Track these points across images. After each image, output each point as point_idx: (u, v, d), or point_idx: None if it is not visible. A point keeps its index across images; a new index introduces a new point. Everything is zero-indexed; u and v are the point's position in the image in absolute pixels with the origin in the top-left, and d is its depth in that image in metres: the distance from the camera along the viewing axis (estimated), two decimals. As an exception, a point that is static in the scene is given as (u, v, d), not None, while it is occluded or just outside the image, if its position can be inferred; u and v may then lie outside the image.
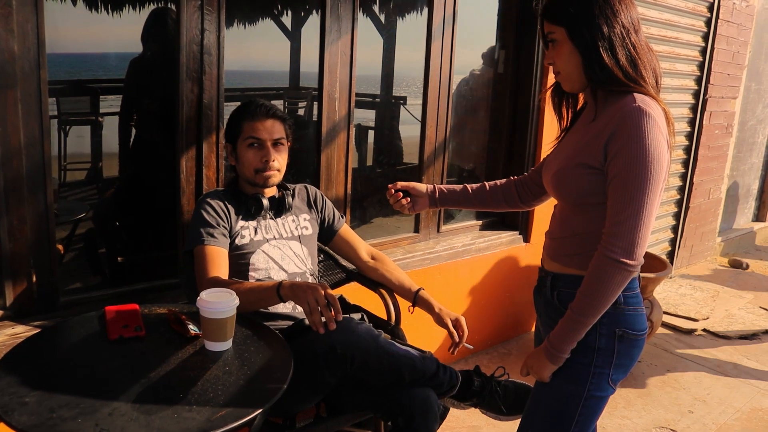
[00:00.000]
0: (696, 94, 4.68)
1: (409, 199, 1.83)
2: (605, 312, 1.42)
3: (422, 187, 1.84)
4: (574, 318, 1.42)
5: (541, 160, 1.78)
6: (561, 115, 1.63)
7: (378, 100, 5.14)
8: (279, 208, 2.03)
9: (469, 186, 1.85)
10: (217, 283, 1.75)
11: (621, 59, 1.40)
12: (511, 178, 1.85)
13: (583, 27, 1.40)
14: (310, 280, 2.04)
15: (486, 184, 1.85)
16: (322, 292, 1.60)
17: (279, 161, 1.97)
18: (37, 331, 1.79)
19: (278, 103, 5.38)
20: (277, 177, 1.99)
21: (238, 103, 2.02)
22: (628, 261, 1.36)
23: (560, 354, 1.46)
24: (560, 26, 1.43)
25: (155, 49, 2.60)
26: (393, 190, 1.83)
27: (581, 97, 1.60)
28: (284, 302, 1.72)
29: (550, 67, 1.52)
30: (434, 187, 1.84)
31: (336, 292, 1.98)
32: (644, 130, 1.34)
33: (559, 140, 1.63)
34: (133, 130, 2.82)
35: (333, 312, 1.59)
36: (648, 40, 1.47)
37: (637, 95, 1.38)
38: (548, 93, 1.63)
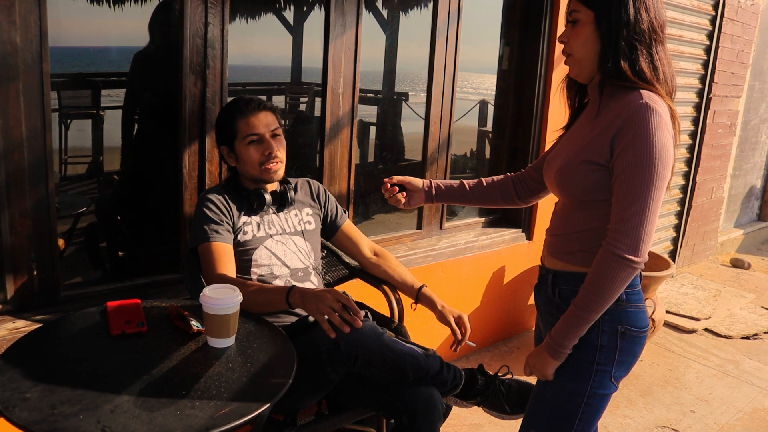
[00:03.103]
0: (700, 93, 4.66)
1: (405, 193, 1.82)
2: (607, 309, 1.42)
3: (418, 182, 1.83)
4: (576, 313, 1.41)
5: (540, 156, 1.77)
6: (573, 107, 1.61)
7: (380, 96, 5.14)
8: (281, 202, 2.01)
9: (466, 182, 1.83)
10: (226, 280, 1.74)
11: (639, 59, 1.38)
12: (508, 174, 1.83)
13: (613, 16, 1.37)
14: (313, 275, 2.03)
15: (483, 180, 1.84)
16: (333, 297, 1.60)
17: (281, 151, 1.96)
18: (39, 326, 1.78)
19: (280, 98, 5.38)
20: (281, 169, 1.97)
21: (236, 97, 2.00)
22: (633, 257, 1.35)
23: (562, 350, 1.44)
24: (590, 9, 1.40)
25: (159, 43, 2.58)
26: (389, 185, 1.82)
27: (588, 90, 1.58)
28: (293, 309, 1.71)
29: (556, 63, 1.50)
30: (431, 182, 1.83)
31: (338, 289, 1.97)
32: (651, 127, 1.33)
33: (560, 137, 1.62)
34: (136, 124, 2.81)
35: (351, 314, 1.60)
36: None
37: (643, 92, 1.37)
38: (564, 83, 1.60)
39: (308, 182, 2.17)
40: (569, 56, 1.47)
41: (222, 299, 1.46)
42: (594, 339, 1.46)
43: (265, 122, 1.93)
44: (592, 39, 1.41)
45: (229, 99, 2.22)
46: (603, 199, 1.42)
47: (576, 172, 1.45)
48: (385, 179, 1.83)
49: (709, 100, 4.67)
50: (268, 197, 1.97)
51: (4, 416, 1.18)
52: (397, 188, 1.82)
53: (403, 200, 1.82)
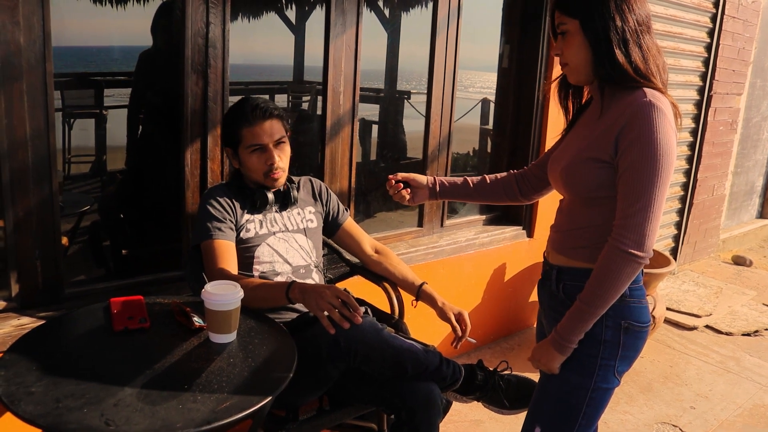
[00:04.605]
0: (701, 90, 4.66)
1: (409, 190, 1.84)
2: (611, 305, 1.43)
3: (423, 178, 1.84)
4: (583, 309, 1.43)
5: (543, 154, 1.79)
6: (566, 108, 1.63)
7: (382, 94, 5.15)
8: (284, 201, 2.03)
9: (469, 179, 1.85)
10: (227, 277, 1.75)
11: (633, 56, 1.39)
12: (512, 171, 1.86)
13: (597, 21, 1.40)
14: (314, 273, 2.04)
15: (486, 177, 1.86)
16: (332, 294, 1.62)
17: (283, 160, 1.97)
18: (43, 322, 1.80)
19: (282, 97, 5.39)
20: (283, 177, 1.99)
21: (243, 97, 2.01)
22: (638, 253, 1.37)
23: (568, 344, 1.46)
24: (573, 18, 1.42)
25: (162, 42, 2.60)
26: (393, 181, 1.84)
27: (586, 90, 1.60)
28: (292, 304, 1.73)
29: (556, 61, 1.51)
30: (435, 179, 1.85)
31: (340, 286, 1.99)
32: (655, 124, 1.35)
33: (563, 135, 1.63)
34: (141, 123, 2.83)
35: (350, 310, 1.62)
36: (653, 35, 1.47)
37: (647, 90, 1.39)
38: (554, 85, 1.63)
39: (310, 180, 2.19)
40: (566, 65, 1.49)
41: (223, 295, 1.48)
42: (598, 334, 1.48)
43: (270, 132, 1.93)
44: (583, 46, 1.43)
45: (231, 98, 2.24)
46: (608, 196, 1.44)
47: (581, 170, 1.47)
48: (390, 176, 1.85)
49: (710, 97, 4.67)
50: (271, 196, 1.99)
51: (9, 410, 1.20)
52: (402, 185, 1.84)
53: (408, 197, 1.84)
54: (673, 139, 1.37)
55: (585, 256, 1.51)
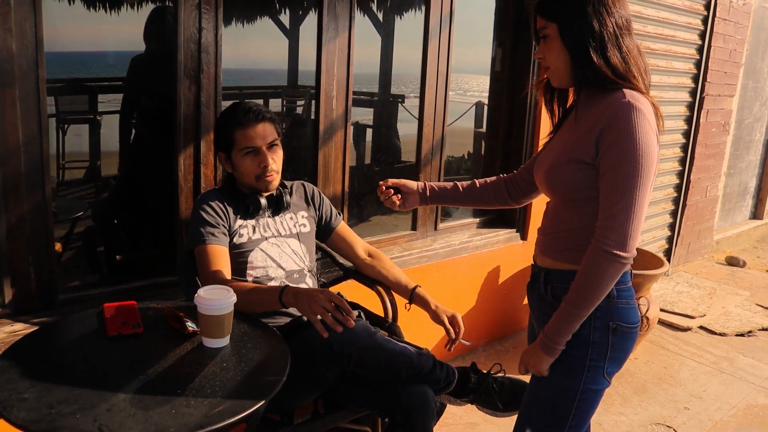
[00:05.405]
0: (693, 92, 4.69)
1: (399, 195, 1.85)
2: (599, 306, 1.44)
3: (413, 184, 1.85)
4: (569, 310, 1.44)
5: (532, 157, 1.80)
6: (552, 111, 1.64)
7: (376, 98, 5.15)
8: (277, 206, 2.04)
9: (459, 183, 1.87)
10: (221, 282, 1.76)
11: (611, 58, 1.41)
12: (501, 175, 1.87)
13: (576, 25, 1.41)
14: (308, 277, 2.05)
15: (476, 181, 1.87)
16: (325, 297, 1.62)
17: (276, 162, 1.98)
18: (36, 328, 1.80)
19: (276, 102, 5.39)
20: (277, 180, 2.00)
21: (235, 101, 2.02)
22: (621, 253, 1.38)
23: (555, 346, 1.47)
24: (553, 22, 1.44)
25: (155, 48, 2.61)
26: (384, 187, 1.85)
27: (572, 93, 1.61)
28: (286, 308, 1.74)
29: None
30: (425, 184, 1.86)
31: (333, 290, 1.99)
32: (634, 125, 1.36)
33: (550, 137, 1.65)
34: (133, 129, 2.83)
35: (343, 314, 1.62)
36: (644, 38, 1.49)
37: (626, 91, 1.40)
38: (541, 89, 1.64)
39: (303, 185, 2.19)
40: (548, 69, 1.51)
41: (216, 300, 1.48)
42: (586, 335, 1.48)
43: (263, 134, 1.94)
44: (563, 50, 1.45)
45: (225, 103, 2.25)
46: (591, 198, 1.45)
47: (563, 172, 1.48)
48: (381, 182, 1.86)
49: (702, 99, 4.70)
50: (263, 201, 1.99)
51: (2, 416, 1.20)
52: (392, 190, 1.85)
53: (398, 202, 1.85)
54: (653, 139, 1.38)
55: (571, 258, 1.51)
